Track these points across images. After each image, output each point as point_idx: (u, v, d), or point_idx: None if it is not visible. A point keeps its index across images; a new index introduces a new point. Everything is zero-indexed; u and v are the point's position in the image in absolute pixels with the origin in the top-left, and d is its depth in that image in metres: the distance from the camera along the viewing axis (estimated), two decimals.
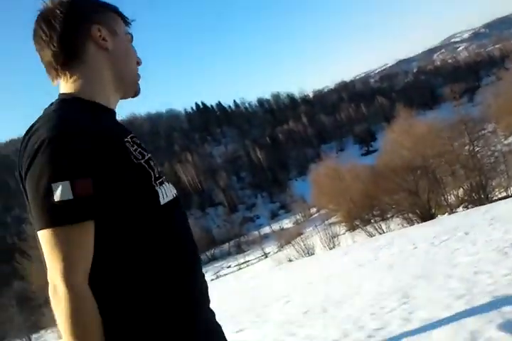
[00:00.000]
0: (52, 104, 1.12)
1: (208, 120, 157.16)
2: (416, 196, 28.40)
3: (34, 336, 41.82)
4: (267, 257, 37.53)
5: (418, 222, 24.90)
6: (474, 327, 2.60)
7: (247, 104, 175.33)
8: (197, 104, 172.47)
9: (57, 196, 0.92)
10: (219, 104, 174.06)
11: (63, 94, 1.16)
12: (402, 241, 9.23)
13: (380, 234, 25.74)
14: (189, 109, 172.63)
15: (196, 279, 1.08)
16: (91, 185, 0.94)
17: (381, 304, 3.93)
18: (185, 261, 1.07)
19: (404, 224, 27.03)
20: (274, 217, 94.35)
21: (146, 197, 1.05)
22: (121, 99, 1.29)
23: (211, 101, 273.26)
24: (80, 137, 0.97)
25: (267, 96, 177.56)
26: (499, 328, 2.48)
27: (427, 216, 26.37)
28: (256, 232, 73.20)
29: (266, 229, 76.56)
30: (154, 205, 1.05)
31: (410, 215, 28.49)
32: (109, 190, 0.97)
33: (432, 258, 5.72)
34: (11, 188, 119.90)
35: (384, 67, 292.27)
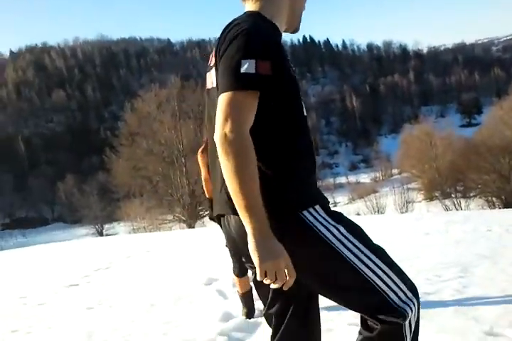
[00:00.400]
0: (240, 16, 1.45)
1: (311, 56, 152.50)
2: (506, 181, 27.52)
3: (106, 226, 44.81)
4: (336, 206, 38.32)
5: (500, 208, 24.30)
6: None
7: (355, 47, 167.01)
8: (304, 37, 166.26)
9: (244, 69, 1.26)
10: (327, 42, 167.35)
11: (248, 11, 1.48)
12: (478, 220, 8.92)
13: (457, 210, 25.35)
14: (295, 41, 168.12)
15: (313, 153, 1.54)
16: (269, 67, 1.29)
17: (438, 273, 4.07)
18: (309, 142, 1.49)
19: (485, 207, 26.41)
20: (354, 168, 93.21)
21: (297, 104, 1.43)
22: (283, 31, 1.57)
23: (320, 37, 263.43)
24: (266, 34, 1.35)
25: (379, 42, 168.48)
26: None
27: (511, 203, 25.64)
28: (331, 180, 72.79)
29: (342, 179, 75.77)
30: (301, 114, 1.44)
31: (494, 199, 27.79)
32: (277, 79, 1.32)
33: (504, 243, 5.66)
34: (114, 86, 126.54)
35: (511, 37, 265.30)
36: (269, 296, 1.53)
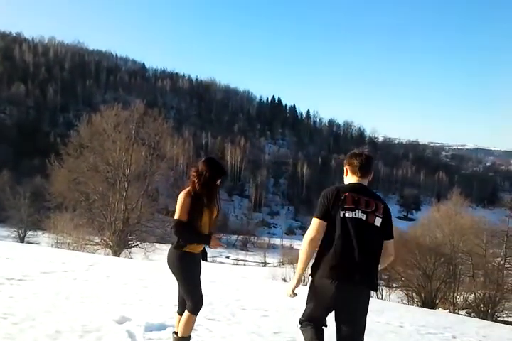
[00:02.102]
0: (370, 190, 2.05)
1: (275, 116, 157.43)
2: (428, 280, 28.35)
3: (30, 232, 42.75)
4: (265, 266, 38.06)
5: (418, 305, 24.96)
6: None
7: (317, 119, 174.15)
8: (273, 98, 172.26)
9: None
10: (293, 107, 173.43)
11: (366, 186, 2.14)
12: (392, 314, 9.11)
13: (378, 298, 25.84)
14: (264, 99, 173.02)
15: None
16: None
17: None
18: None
19: (404, 301, 27.06)
20: (290, 233, 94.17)
21: None
22: None
23: (288, 101, 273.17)
24: None
25: (340, 121, 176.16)
26: None
27: (428, 303, 26.40)
28: (266, 238, 73.36)
29: (277, 241, 76.53)
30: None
31: (414, 295, 28.45)
32: None
33: None
34: (77, 94, 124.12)
35: (461, 147, 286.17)
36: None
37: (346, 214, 2.87)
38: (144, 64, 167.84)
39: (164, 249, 29.14)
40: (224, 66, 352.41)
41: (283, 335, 5.19)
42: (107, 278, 8.84)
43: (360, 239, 2.86)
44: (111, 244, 26.48)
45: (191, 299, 3.54)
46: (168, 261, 3.59)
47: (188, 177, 3.69)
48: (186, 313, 3.58)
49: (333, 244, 2.89)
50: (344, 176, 3.27)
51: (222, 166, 3.70)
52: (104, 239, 27.16)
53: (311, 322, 3.06)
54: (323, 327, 3.11)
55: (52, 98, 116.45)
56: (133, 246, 27.76)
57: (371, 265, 2.95)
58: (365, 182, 3.15)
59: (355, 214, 2.88)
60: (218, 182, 3.65)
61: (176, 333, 3.68)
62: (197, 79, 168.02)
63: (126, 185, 27.84)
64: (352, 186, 3.08)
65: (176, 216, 3.48)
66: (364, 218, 2.90)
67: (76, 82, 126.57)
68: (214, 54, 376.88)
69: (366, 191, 3.07)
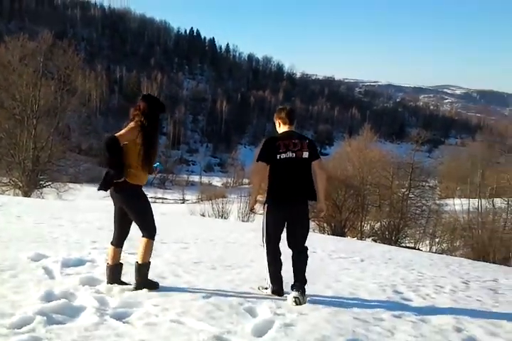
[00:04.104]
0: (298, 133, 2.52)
1: (194, 50, 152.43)
2: (338, 210, 30.11)
3: None
4: (183, 203, 38.35)
5: (328, 234, 26.63)
6: None
7: (237, 53, 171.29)
8: (191, 30, 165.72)
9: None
10: (212, 40, 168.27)
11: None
12: (306, 242, 9.65)
13: None
14: (182, 30, 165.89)
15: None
16: None
17: (262, 283, 4.33)
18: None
19: (316, 230, 28.71)
20: (209, 170, 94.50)
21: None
22: None
23: (207, 34, 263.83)
24: None
25: (259, 56, 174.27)
26: None
27: (338, 232, 28.22)
28: (185, 176, 73.03)
29: (195, 178, 76.29)
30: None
31: (325, 225, 30.19)
32: None
33: (323, 266, 6.26)
34: None
35: (374, 84, 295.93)
36: None
37: (282, 156, 3.94)
38: None
39: (78, 189, 28.47)
40: None
41: (203, 264, 5.40)
42: (17, 219, 8.59)
43: (293, 170, 3.99)
44: (20, 185, 25.30)
45: (149, 227, 3.80)
46: (124, 194, 3.73)
47: (131, 118, 3.78)
48: (145, 240, 3.77)
49: (277, 177, 3.98)
50: (277, 127, 4.23)
51: (162, 102, 3.90)
52: (13, 179, 25.84)
53: (272, 239, 4.09)
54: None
55: None
56: (44, 186, 26.70)
57: (304, 184, 4.05)
58: (293, 128, 4.19)
59: (287, 155, 3.95)
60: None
61: (111, 264, 3.90)
62: (110, 7, 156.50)
63: (34, 122, 26.37)
64: (284, 134, 4.10)
65: (117, 134, 3.58)
66: (294, 156, 3.98)
67: None
68: None
69: (294, 135, 4.12)
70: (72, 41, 31.60)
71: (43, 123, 27.23)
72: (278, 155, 3.95)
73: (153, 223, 3.83)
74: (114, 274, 3.91)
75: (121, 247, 3.95)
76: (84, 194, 32.09)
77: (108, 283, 3.91)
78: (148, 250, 3.79)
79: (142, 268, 3.81)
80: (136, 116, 3.72)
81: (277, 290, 4.06)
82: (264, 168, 3.98)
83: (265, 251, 4.14)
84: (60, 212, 10.87)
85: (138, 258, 3.81)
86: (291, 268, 4.09)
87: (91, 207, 15.52)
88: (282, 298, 3.98)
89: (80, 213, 11.20)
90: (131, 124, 3.71)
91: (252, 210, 4.32)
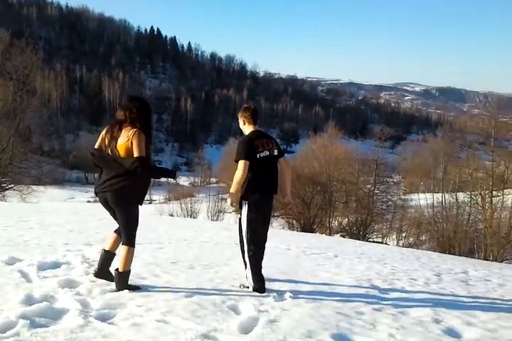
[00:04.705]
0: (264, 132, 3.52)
1: (155, 49, 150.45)
2: (307, 207, 30.43)
3: None
4: (151, 203, 37.91)
5: (298, 231, 26.85)
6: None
7: (199, 52, 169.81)
8: (152, 28, 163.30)
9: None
10: (173, 39, 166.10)
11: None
12: (278, 239, 9.58)
13: None
14: (142, 29, 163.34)
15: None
16: None
17: (243, 280, 4.40)
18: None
19: (285, 227, 28.92)
20: (176, 169, 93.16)
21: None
22: None
23: (168, 33, 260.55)
24: None
25: (222, 55, 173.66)
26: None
27: (307, 228, 28.50)
28: None
29: (161, 178, 75.70)
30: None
31: (294, 222, 30.45)
32: None
33: (299, 263, 6.33)
34: None
35: (336, 82, 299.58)
36: None
37: (261, 155, 4.22)
38: None
39: (41, 191, 27.76)
40: None
41: (181, 264, 5.36)
42: None
43: (269, 167, 4.32)
44: None
45: (132, 232, 3.78)
46: (120, 196, 3.69)
47: (123, 120, 3.68)
48: (126, 248, 3.72)
49: (257, 174, 4.19)
50: (242, 125, 4.46)
51: (148, 102, 3.88)
52: None
53: (259, 233, 4.28)
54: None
55: None
56: (7, 189, 25.99)
57: (276, 180, 4.40)
58: (257, 127, 4.41)
59: (264, 153, 4.25)
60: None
61: (105, 250, 3.96)
62: (67, 6, 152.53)
63: None
64: (256, 134, 4.34)
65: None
66: (268, 154, 4.29)
67: None
68: None
69: (264, 135, 4.42)
70: (29, 40, 30.79)
71: (2, 125, 26.49)
72: (258, 154, 4.22)
73: (136, 231, 3.82)
74: (104, 260, 3.95)
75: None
76: (48, 196, 31.37)
77: (97, 269, 3.97)
78: (129, 258, 3.75)
79: (122, 276, 3.77)
80: (135, 120, 3.66)
81: (259, 287, 4.10)
82: (247, 165, 4.16)
83: (246, 247, 4.24)
84: (28, 214, 10.58)
85: (119, 266, 3.75)
86: (268, 265, 4.19)
87: (57, 209, 15.15)
88: (264, 294, 4.02)
89: (47, 215, 10.92)
90: (134, 131, 3.61)
91: (232, 205, 4.24)
